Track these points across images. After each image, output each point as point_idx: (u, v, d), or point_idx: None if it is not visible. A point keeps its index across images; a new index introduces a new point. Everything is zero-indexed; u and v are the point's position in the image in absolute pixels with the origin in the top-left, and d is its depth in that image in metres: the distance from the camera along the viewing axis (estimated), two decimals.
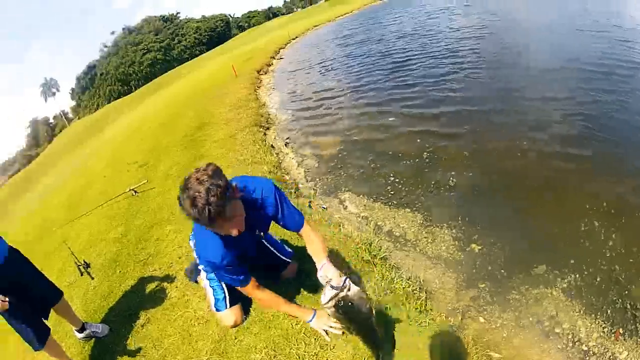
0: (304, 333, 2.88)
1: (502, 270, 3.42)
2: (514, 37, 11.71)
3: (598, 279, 3.10)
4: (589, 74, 7.06)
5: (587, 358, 2.63)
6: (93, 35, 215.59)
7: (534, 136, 5.35)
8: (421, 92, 8.38)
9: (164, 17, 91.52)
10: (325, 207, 4.95)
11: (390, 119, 7.42)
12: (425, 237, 4.06)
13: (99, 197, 7.80)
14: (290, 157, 7.07)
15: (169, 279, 4.09)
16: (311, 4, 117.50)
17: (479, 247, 3.71)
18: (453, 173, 5.02)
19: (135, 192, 6.97)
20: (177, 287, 3.91)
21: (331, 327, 2.69)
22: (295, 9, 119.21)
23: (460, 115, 6.72)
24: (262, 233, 2.74)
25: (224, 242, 2.40)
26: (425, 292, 3.21)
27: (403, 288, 3.15)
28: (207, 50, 78.00)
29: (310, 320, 2.76)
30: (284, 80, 15.04)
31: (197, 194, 1.92)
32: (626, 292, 2.94)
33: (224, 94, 13.32)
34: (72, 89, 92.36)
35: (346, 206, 4.98)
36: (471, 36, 12.72)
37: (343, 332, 2.66)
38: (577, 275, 3.17)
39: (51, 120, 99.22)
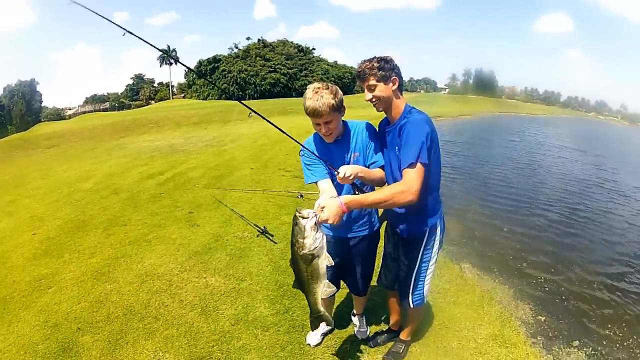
0: None
1: None
2: None
3: None
4: None
5: None
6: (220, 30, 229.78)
7: None
8: None
9: (299, 46, 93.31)
10: None
11: None
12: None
13: (251, 183, 9.12)
14: None
15: None
16: (434, 91, 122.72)
17: None
18: None
19: (302, 195, 7.88)
20: None
21: None
22: (418, 90, 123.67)
23: None
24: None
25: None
26: None
27: None
28: None
29: None
30: None
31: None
32: None
33: None
34: (188, 68, 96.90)
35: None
36: None
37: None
38: None
39: (155, 84, 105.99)
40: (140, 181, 9.48)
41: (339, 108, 2.79)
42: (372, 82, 2.70)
